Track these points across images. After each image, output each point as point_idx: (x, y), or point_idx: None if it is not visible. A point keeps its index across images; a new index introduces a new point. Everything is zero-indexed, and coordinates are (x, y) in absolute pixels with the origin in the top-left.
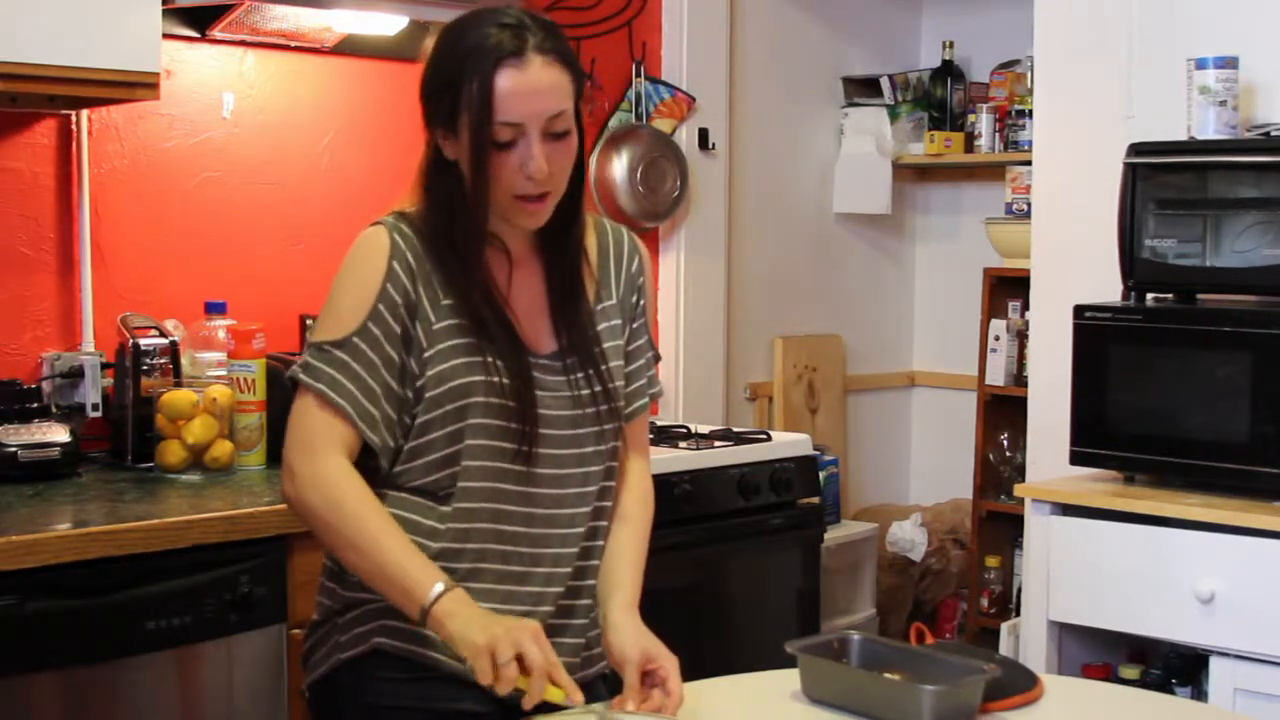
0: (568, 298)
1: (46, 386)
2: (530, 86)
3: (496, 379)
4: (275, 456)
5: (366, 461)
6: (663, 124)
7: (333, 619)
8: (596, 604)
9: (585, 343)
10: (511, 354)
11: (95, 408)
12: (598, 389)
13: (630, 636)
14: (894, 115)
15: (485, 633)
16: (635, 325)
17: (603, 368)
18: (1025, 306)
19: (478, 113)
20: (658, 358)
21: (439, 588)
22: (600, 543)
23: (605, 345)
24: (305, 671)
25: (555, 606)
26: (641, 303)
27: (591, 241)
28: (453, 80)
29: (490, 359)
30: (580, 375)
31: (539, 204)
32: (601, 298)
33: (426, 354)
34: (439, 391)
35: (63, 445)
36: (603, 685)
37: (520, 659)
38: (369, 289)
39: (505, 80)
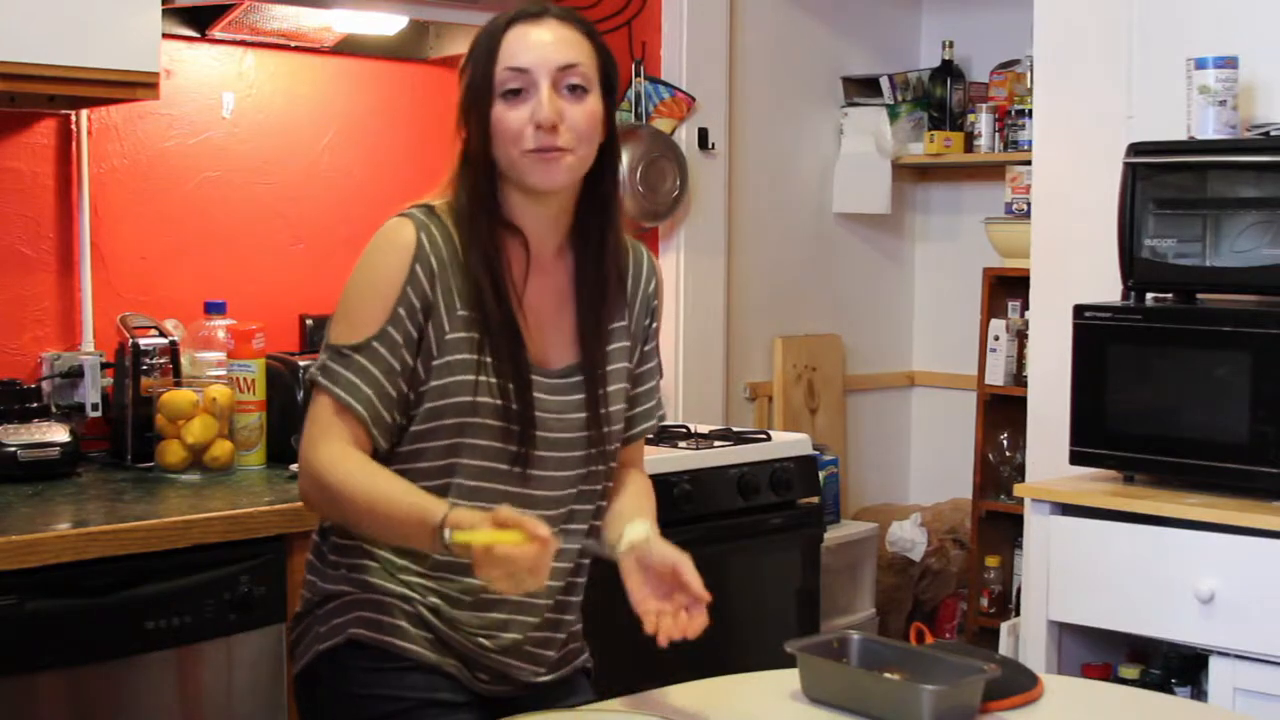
0: (594, 305)
1: (46, 386)
2: (541, 37)
3: (500, 401)
4: (275, 456)
5: None
6: (662, 124)
7: (313, 611)
8: (578, 619)
9: (596, 362)
10: (517, 375)
11: (95, 407)
12: (599, 412)
13: (670, 548)
14: (894, 115)
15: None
16: (647, 348)
17: (600, 391)
18: (1025, 306)
19: (484, 60)
20: (661, 375)
21: (442, 532)
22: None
23: (610, 367)
24: (292, 662)
25: (542, 619)
26: (654, 325)
27: None
28: (471, 57)
29: (495, 380)
30: (582, 396)
31: (552, 156)
32: (614, 317)
33: (435, 362)
34: (441, 404)
35: (62, 445)
36: (584, 678)
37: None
38: (389, 290)
39: (516, 32)
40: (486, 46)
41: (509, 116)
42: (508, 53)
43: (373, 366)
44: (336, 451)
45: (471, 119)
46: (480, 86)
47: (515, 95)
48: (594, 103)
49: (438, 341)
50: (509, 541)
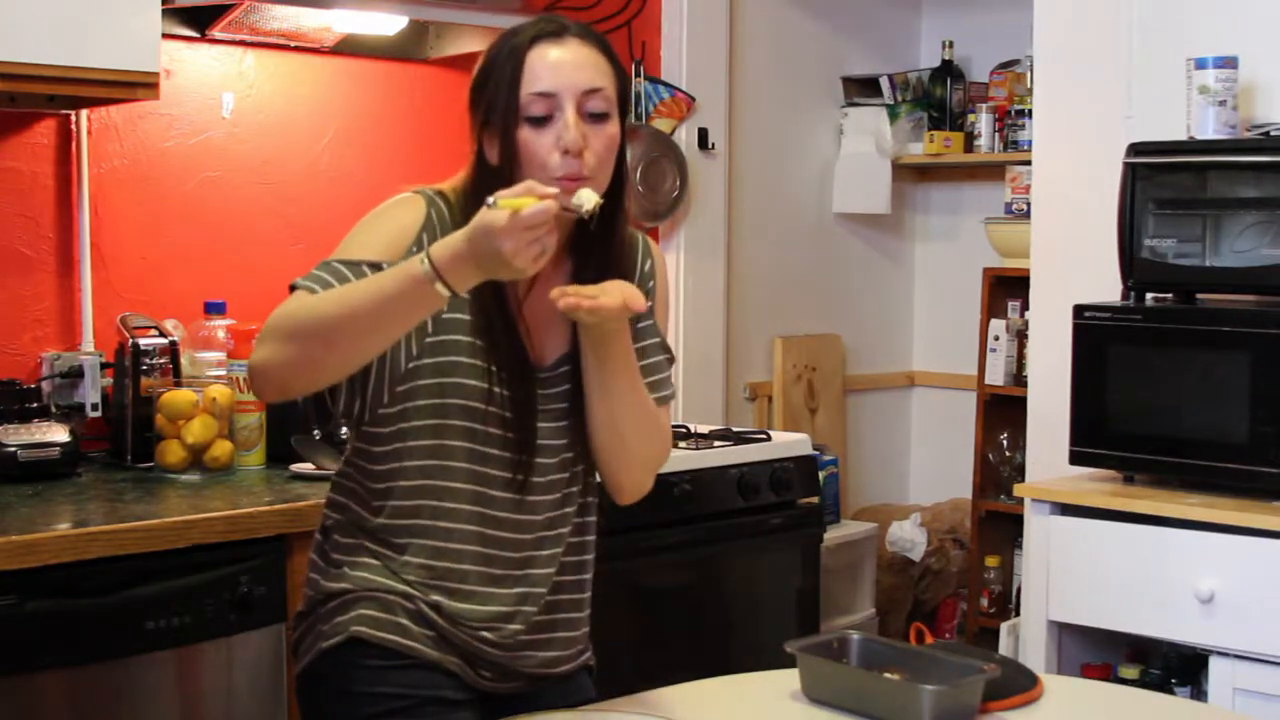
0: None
1: (46, 386)
2: (564, 58)
3: (499, 390)
4: (275, 456)
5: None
6: (662, 124)
7: (315, 609)
8: (584, 615)
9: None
10: (518, 369)
11: (95, 408)
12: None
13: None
14: (894, 115)
15: (487, 269)
16: (641, 325)
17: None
18: (1025, 306)
19: (507, 81)
20: (671, 359)
21: (424, 264)
22: (590, 536)
23: None
24: (295, 662)
25: (543, 604)
26: (650, 304)
27: None
28: (490, 72)
29: (496, 369)
30: (568, 387)
31: (578, 185)
32: None
33: (429, 340)
34: (432, 383)
35: (62, 445)
36: (586, 675)
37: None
38: (394, 241)
39: (538, 52)
40: (509, 67)
41: (536, 142)
42: (531, 76)
43: (353, 277)
44: (298, 296)
45: (491, 138)
46: (504, 109)
47: (541, 121)
48: (614, 128)
49: (434, 318)
50: (529, 204)
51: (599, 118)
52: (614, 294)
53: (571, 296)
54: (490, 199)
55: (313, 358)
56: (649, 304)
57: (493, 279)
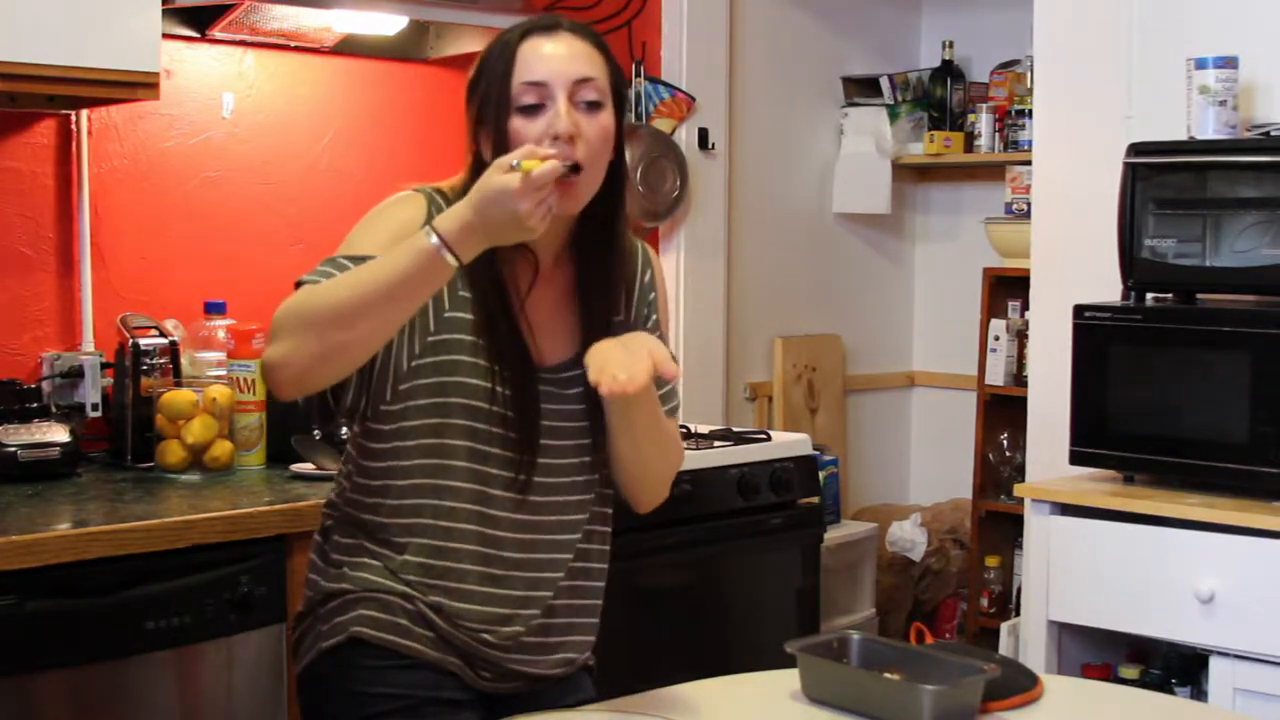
0: (598, 298)
1: (46, 386)
2: (557, 50)
3: (501, 389)
4: (275, 456)
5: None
6: (662, 124)
7: (315, 609)
8: (590, 619)
9: None
10: (520, 368)
11: (95, 408)
12: (598, 401)
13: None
14: (894, 115)
15: (497, 234)
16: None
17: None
18: (1025, 306)
19: (499, 74)
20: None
21: (430, 237)
22: (601, 546)
23: None
24: (295, 662)
25: (544, 608)
26: (654, 317)
27: None
28: (484, 71)
29: (498, 368)
30: (581, 390)
31: (568, 184)
32: (614, 311)
33: (431, 338)
34: (435, 381)
35: (62, 445)
36: (587, 675)
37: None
38: (396, 239)
39: (530, 45)
40: (501, 60)
41: (527, 130)
42: (523, 67)
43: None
44: (305, 290)
45: (486, 132)
46: (496, 101)
47: (532, 110)
48: (607, 118)
49: (436, 318)
50: (536, 165)
51: (592, 106)
52: (644, 361)
53: (609, 383)
54: (514, 161)
55: (328, 345)
56: (653, 317)
57: (500, 245)
